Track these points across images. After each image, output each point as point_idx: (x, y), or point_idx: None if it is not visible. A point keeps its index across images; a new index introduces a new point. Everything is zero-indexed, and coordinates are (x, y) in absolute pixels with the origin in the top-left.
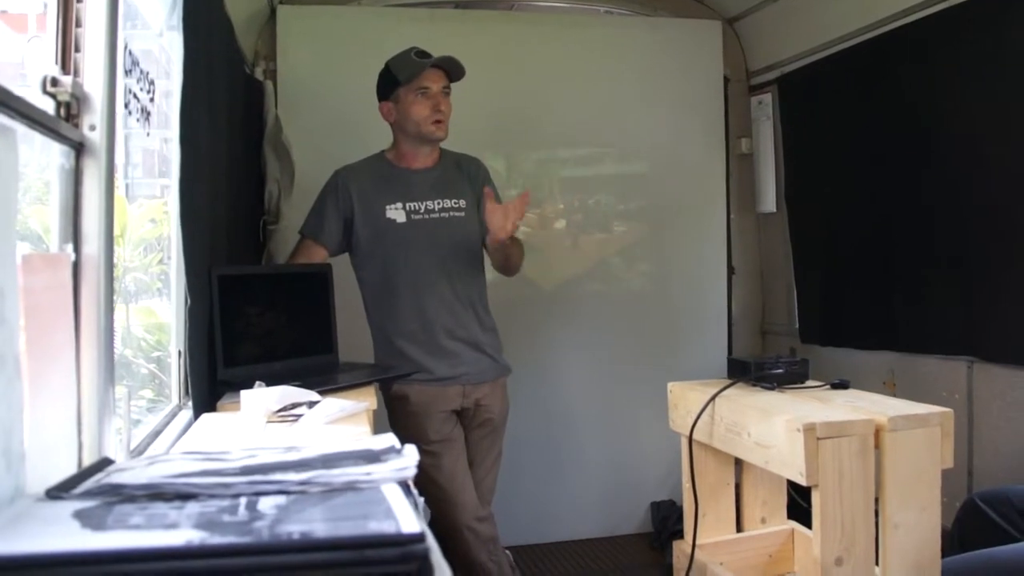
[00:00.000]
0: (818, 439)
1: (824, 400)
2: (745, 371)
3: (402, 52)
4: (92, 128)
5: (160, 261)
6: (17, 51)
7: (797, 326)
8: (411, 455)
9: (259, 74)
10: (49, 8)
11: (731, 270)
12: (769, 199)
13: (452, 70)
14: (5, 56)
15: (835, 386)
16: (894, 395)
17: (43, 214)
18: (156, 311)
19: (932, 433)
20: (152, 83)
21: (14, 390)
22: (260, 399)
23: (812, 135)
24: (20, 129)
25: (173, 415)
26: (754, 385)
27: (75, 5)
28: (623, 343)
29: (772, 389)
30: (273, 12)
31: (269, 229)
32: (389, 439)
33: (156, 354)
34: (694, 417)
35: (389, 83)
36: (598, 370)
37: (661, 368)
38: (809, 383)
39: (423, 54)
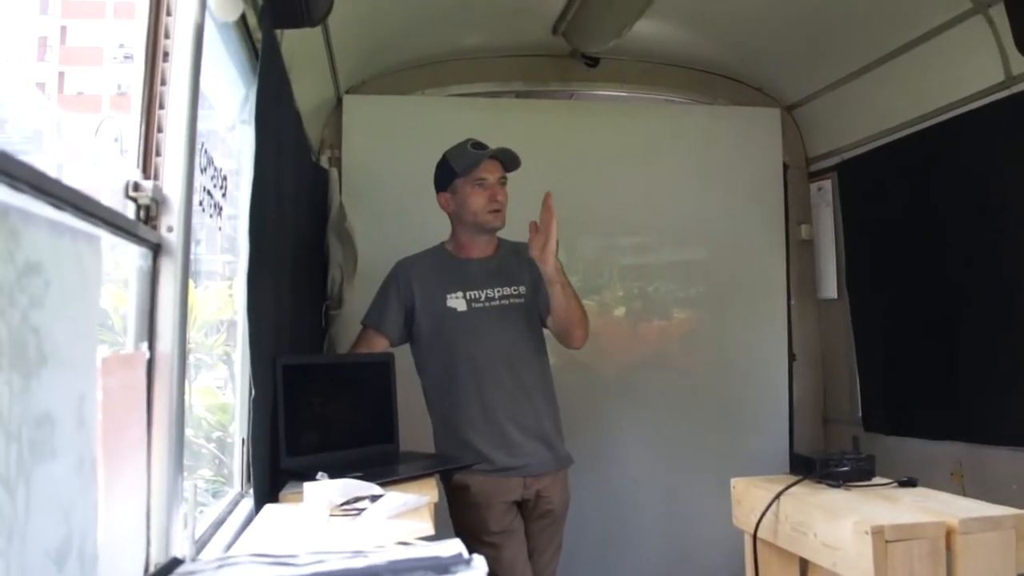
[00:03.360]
0: (887, 542)
1: (892, 500)
2: (810, 467)
3: (459, 144)
4: (170, 230)
5: (223, 342)
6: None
7: (860, 414)
8: (480, 567)
9: (324, 162)
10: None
11: (792, 357)
12: (830, 285)
13: (508, 161)
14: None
15: (903, 484)
16: (962, 487)
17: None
18: (217, 391)
19: (1006, 536)
20: (225, 178)
21: (90, 492)
22: (323, 492)
23: (873, 221)
24: (104, 235)
25: (235, 503)
26: (819, 482)
27: (157, 112)
28: (683, 431)
29: (838, 487)
30: (339, 101)
31: (331, 314)
32: (456, 545)
33: (216, 434)
34: (758, 515)
35: (446, 174)
36: (658, 459)
37: (722, 457)
38: (876, 480)
39: (479, 145)
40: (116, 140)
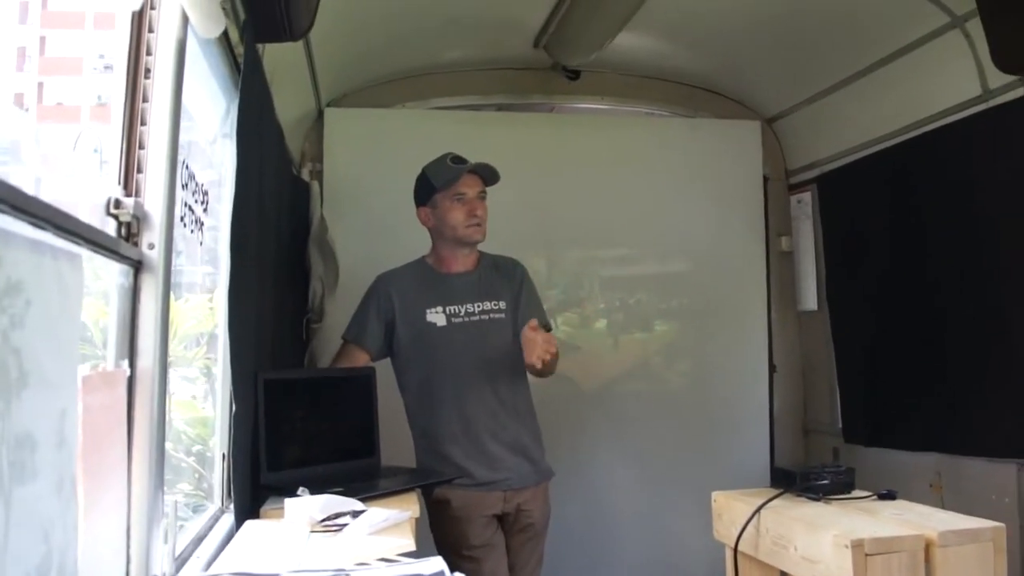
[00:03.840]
0: (867, 555)
1: (872, 512)
2: (790, 481)
3: (438, 158)
4: (151, 247)
5: (203, 355)
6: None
7: (840, 426)
8: None
9: (305, 174)
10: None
11: (772, 368)
12: (810, 297)
13: (487, 175)
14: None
15: (882, 497)
16: (941, 498)
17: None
18: (197, 405)
19: (984, 549)
20: (206, 193)
21: (69, 511)
22: (304, 508)
23: (852, 233)
24: (84, 253)
25: (216, 519)
26: (800, 495)
27: (139, 128)
28: (665, 443)
29: (818, 500)
30: (320, 114)
31: (312, 327)
32: (438, 563)
33: (196, 448)
34: (739, 528)
35: (426, 189)
36: (640, 471)
37: (704, 468)
38: (856, 493)
39: (459, 160)
40: (96, 151)
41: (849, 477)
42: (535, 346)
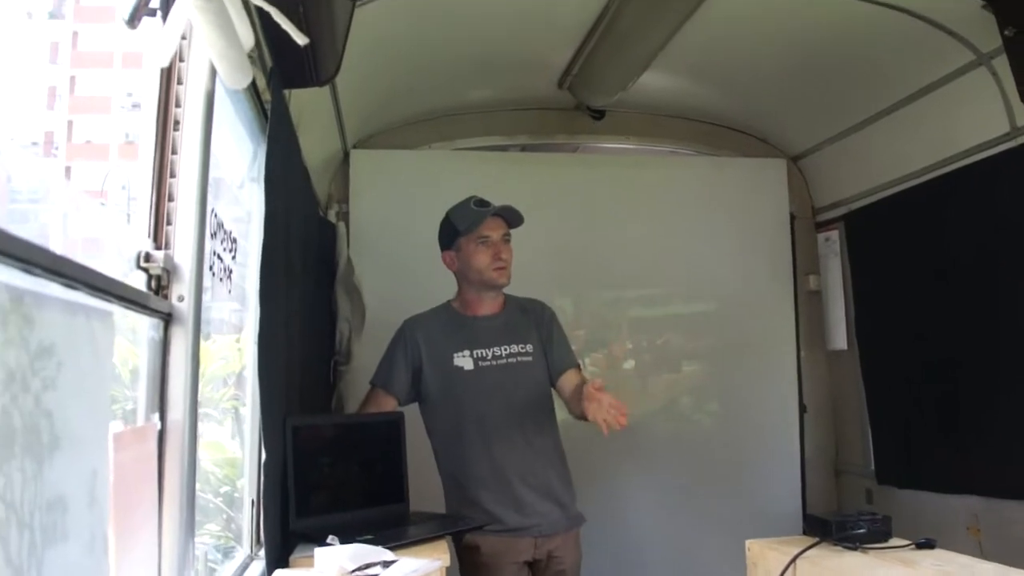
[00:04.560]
0: None
1: (911, 564)
2: (826, 529)
3: (461, 202)
4: (181, 299)
5: (231, 396)
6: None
7: (873, 467)
8: None
9: (332, 216)
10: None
11: (803, 409)
12: (839, 336)
13: (511, 218)
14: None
15: (920, 546)
16: (979, 543)
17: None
18: (225, 446)
19: None
20: (235, 241)
21: (101, 569)
22: (335, 558)
23: (881, 271)
24: (116, 310)
25: (245, 566)
26: (835, 544)
27: (168, 180)
28: (695, 485)
29: (854, 549)
30: (346, 156)
31: (340, 369)
32: None
33: (224, 489)
34: None
35: (450, 233)
36: (670, 514)
37: (735, 510)
38: (893, 542)
39: (482, 203)
40: (124, 188)
41: (886, 525)
42: (600, 407)
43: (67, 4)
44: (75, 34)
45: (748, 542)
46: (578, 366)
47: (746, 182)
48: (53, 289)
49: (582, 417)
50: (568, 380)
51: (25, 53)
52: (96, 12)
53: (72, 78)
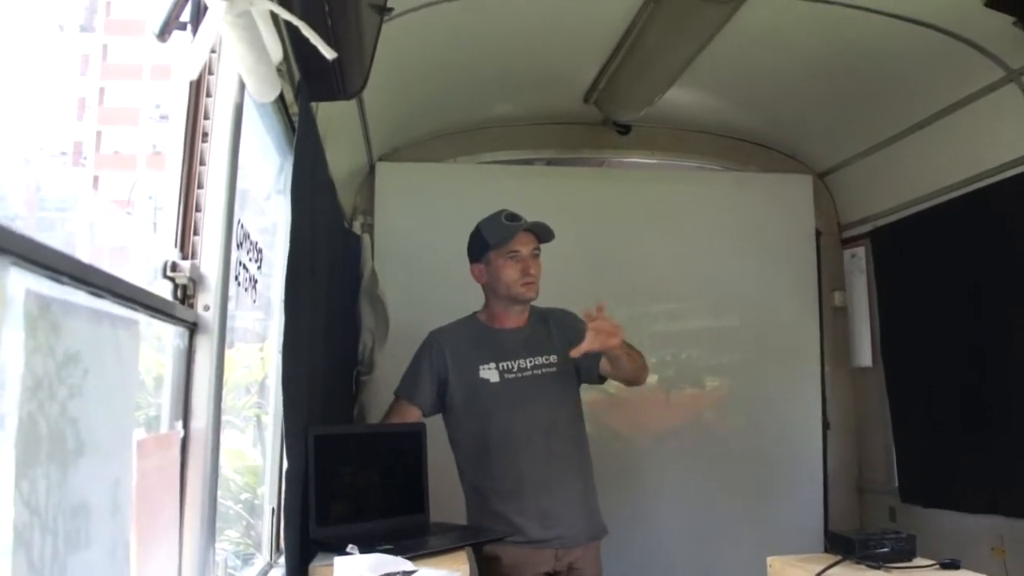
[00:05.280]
0: None
1: None
2: (849, 547)
3: (492, 215)
4: (206, 308)
5: (253, 404)
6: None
7: (897, 485)
8: None
9: (357, 228)
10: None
11: (826, 425)
12: (864, 353)
13: (542, 233)
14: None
15: (944, 566)
16: (1004, 564)
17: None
18: (246, 453)
19: None
20: (260, 251)
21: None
22: (354, 567)
23: (908, 288)
24: (142, 318)
25: (264, 573)
26: (858, 563)
27: (196, 191)
28: (716, 499)
29: (878, 568)
30: (372, 168)
31: (362, 380)
32: None
33: (244, 496)
34: None
35: (479, 246)
36: (692, 528)
37: (756, 526)
38: (917, 561)
39: (513, 217)
40: (150, 198)
41: (910, 544)
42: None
43: (98, 17)
44: (105, 46)
45: (770, 559)
46: None
47: (772, 198)
48: (80, 297)
49: (630, 381)
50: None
51: (56, 65)
52: (126, 25)
53: (101, 89)
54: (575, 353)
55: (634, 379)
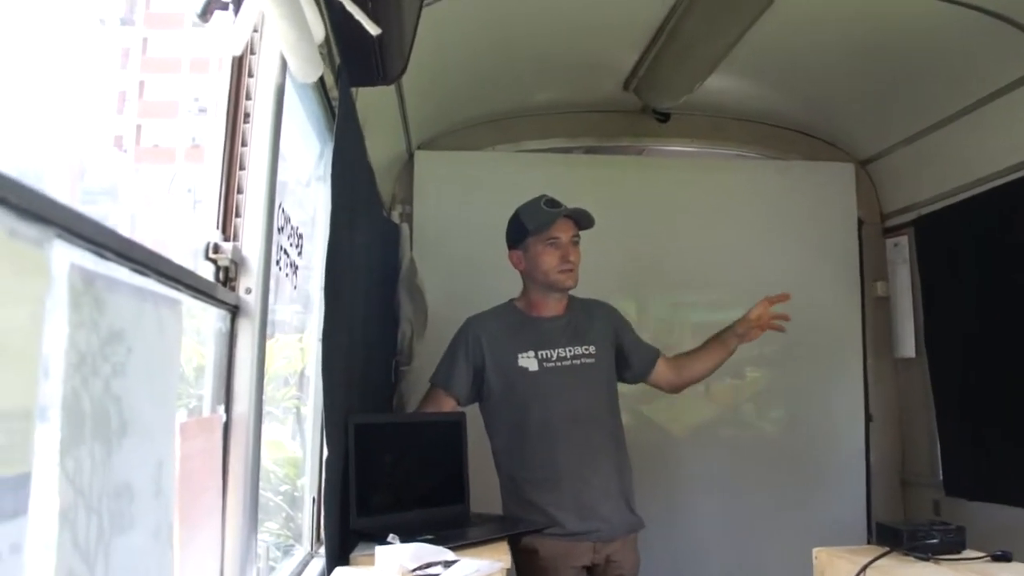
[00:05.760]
0: None
1: None
2: (897, 538)
3: (532, 201)
4: (248, 291)
5: (292, 395)
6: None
7: (941, 478)
8: None
9: (395, 217)
10: (205, 155)
11: (869, 417)
12: (908, 344)
13: (582, 220)
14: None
15: (996, 558)
16: None
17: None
18: (285, 444)
19: None
20: (301, 237)
21: (165, 559)
22: (395, 557)
23: (952, 278)
24: (184, 300)
25: (305, 564)
26: (907, 554)
27: (237, 173)
28: (757, 491)
29: (927, 559)
30: (411, 157)
31: (401, 370)
32: None
33: (284, 487)
34: None
35: (519, 232)
36: (731, 520)
37: (797, 518)
38: (967, 553)
39: (553, 203)
40: (189, 191)
41: (960, 536)
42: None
43: (138, 10)
44: (145, 40)
45: (816, 550)
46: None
47: (813, 186)
48: (123, 274)
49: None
50: (664, 365)
51: (97, 58)
52: (166, 19)
53: (141, 83)
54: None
55: (685, 385)
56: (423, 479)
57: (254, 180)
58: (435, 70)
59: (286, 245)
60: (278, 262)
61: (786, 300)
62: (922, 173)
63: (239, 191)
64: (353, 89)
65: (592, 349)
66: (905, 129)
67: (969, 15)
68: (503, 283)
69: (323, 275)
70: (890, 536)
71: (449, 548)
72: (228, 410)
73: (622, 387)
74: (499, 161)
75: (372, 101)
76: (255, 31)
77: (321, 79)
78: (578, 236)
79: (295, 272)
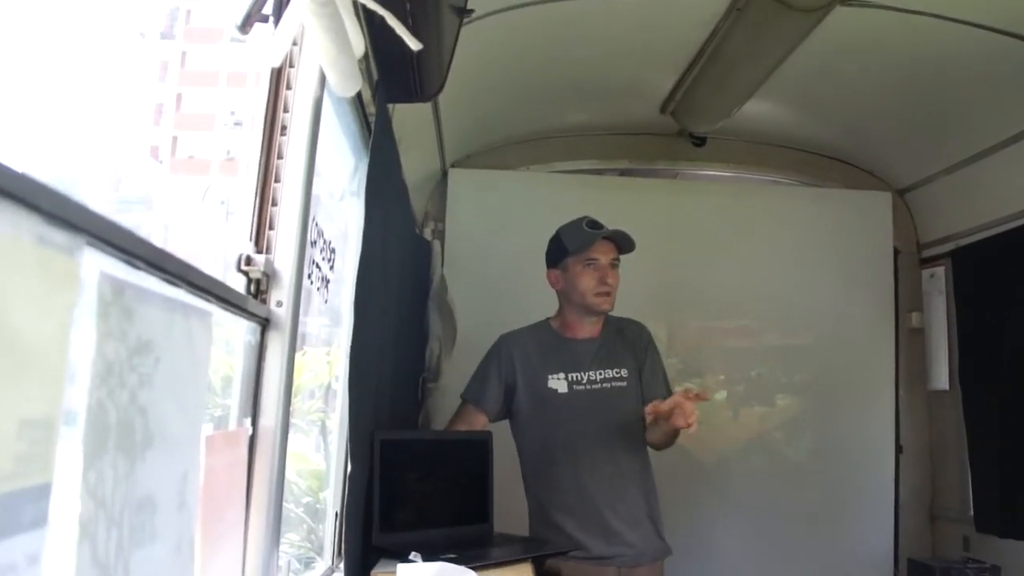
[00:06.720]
0: None
1: None
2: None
3: (574, 221)
4: (279, 304)
5: (318, 408)
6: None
7: (972, 513)
8: None
9: (427, 234)
10: (239, 167)
11: (899, 449)
12: (941, 376)
13: (623, 243)
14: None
15: None
16: None
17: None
18: (309, 457)
19: None
20: (333, 251)
21: (187, 572)
22: (417, 574)
23: (988, 310)
24: (215, 311)
25: None
26: None
27: (272, 185)
28: (784, 521)
29: None
30: (445, 174)
31: (428, 387)
32: None
33: (306, 499)
34: None
35: (558, 251)
36: (757, 549)
37: (824, 551)
38: None
39: (595, 224)
40: (223, 203)
41: (994, 575)
42: (689, 411)
43: (178, 25)
44: (184, 53)
45: None
46: (671, 392)
47: (849, 214)
48: (153, 284)
49: (660, 441)
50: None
51: (137, 71)
52: (205, 33)
53: (179, 95)
54: (650, 410)
55: (659, 445)
56: (447, 497)
57: (289, 193)
58: (472, 89)
59: (318, 259)
60: (310, 276)
61: (706, 400)
62: (961, 203)
63: (273, 203)
64: (390, 105)
65: (624, 372)
66: (945, 159)
67: (1013, 45)
68: (533, 302)
69: (354, 290)
70: (921, 573)
71: (471, 568)
72: (255, 423)
73: None
74: (532, 181)
75: (408, 117)
76: (295, 44)
77: (358, 94)
78: (618, 259)
79: (326, 286)
